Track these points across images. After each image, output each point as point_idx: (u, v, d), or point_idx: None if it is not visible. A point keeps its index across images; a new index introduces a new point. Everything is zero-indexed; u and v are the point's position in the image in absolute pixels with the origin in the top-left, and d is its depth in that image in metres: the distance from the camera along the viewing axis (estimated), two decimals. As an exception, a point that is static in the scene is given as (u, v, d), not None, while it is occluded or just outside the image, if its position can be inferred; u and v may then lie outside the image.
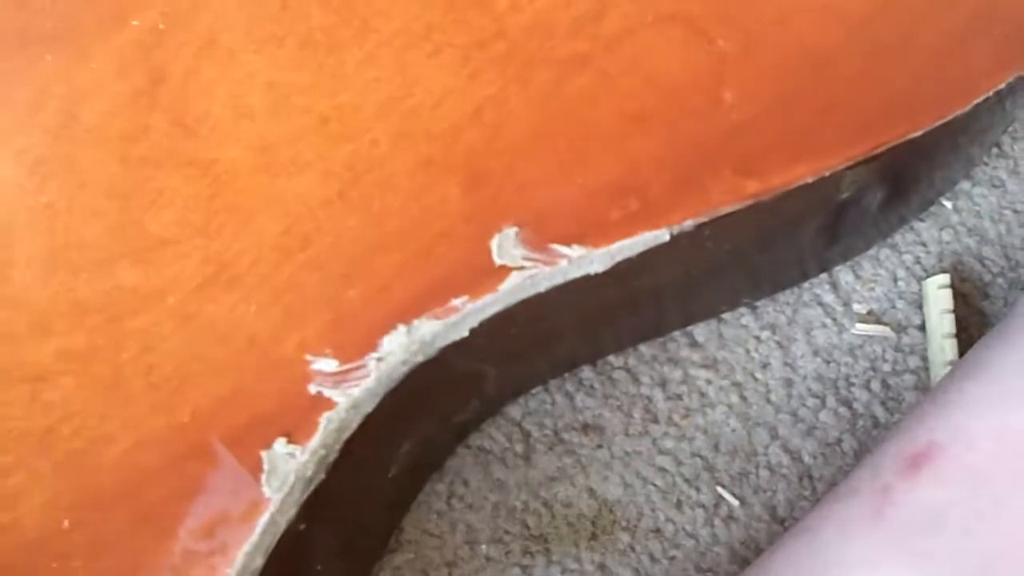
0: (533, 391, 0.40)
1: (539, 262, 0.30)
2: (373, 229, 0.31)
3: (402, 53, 0.32)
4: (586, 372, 0.41)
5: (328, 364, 0.30)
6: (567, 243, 0.30)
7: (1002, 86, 0.31)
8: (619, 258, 0.30)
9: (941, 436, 0.31)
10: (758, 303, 0.41)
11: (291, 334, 0.30)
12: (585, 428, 0.40)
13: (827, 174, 0.30)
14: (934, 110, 0.30)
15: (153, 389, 0.31)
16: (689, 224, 0.30)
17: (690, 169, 0.30)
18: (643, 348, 0.41)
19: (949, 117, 0.30)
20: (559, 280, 0.30)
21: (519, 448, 0.40)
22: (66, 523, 0.29)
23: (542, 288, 0.30)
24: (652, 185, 0.30)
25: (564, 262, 0.30)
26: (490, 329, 0.31)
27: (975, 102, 0.30)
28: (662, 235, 0.30)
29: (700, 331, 0.41)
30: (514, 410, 0.40)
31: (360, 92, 0.32)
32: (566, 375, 0.40)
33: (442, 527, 0.39)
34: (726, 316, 0.41)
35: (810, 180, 0.30)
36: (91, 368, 0.31)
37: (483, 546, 0.39)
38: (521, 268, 0.30)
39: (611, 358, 0.41)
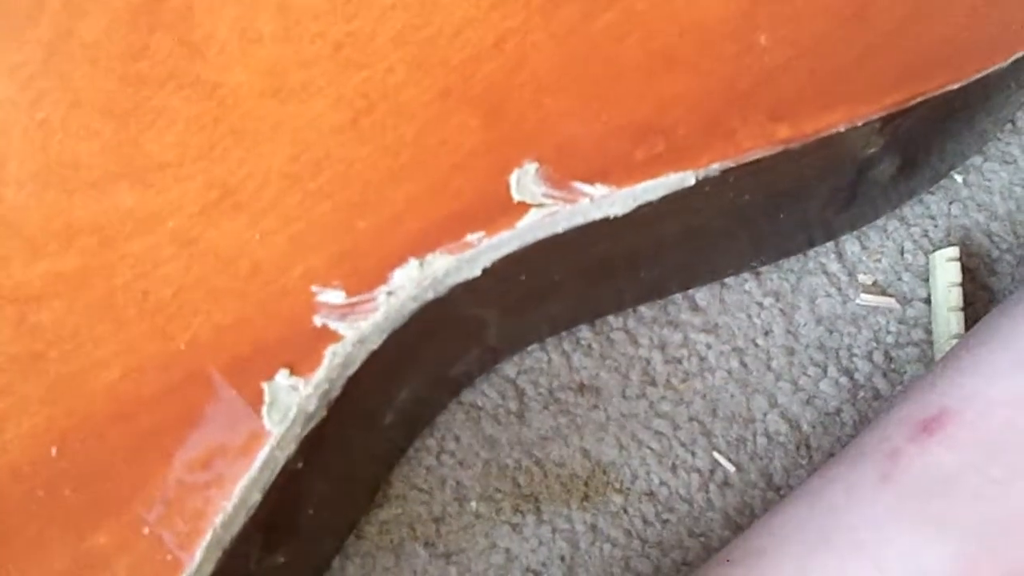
0: (529, 349, 0.39)
1: (560, 199, 0.29)
2: (387, 159, 0.30)
3: (422, -20, 0.31)
4: (584, 332, 0.39)
5: (336, 296, 0.29)
6: (590, 181, 0.29)
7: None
8: (641, 201, 0.29)
9: (954, 401, 0.31)
10: (762, 269, 0.40)
11: (297, 263, 0.29)
12: (581, 388, 0.39)
13: (859, 124, 0.29)
14: (973, 62, 0.29)
15: (148, 315, 0.29)
16: (715, 168, 0.29)
17: (720, 112, 0.29)
18: (643, 310, 0.40)
19: (989, 70, 0.29)
20: (579, 220, 0.29)
21: (513, 406, 0.39)
22: (54, 450, 0.28)
23: (560, 228, 0.29)
24: (679, 126, 0.29)
25: (585, 201, 0.29)
26: (501, 271, 0.30)
27: (1015, 56, 0.29)
28: (687, 178, 0.29)
29: (702, 295, 0.40)
30: (508, 368, 0.39)
31: (376, 19, 0.31)
32: (563, 334, 0.39)
33: (431, 482, 0.38)
34: (728, 281, 0.40)
35: (842, 129, 0.29)
36: (83, 291, 0.30)
37: (472, 503, 0.38)
38: (540, 205, 0.29)
39: (610, 319, 0.40)
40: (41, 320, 0.29)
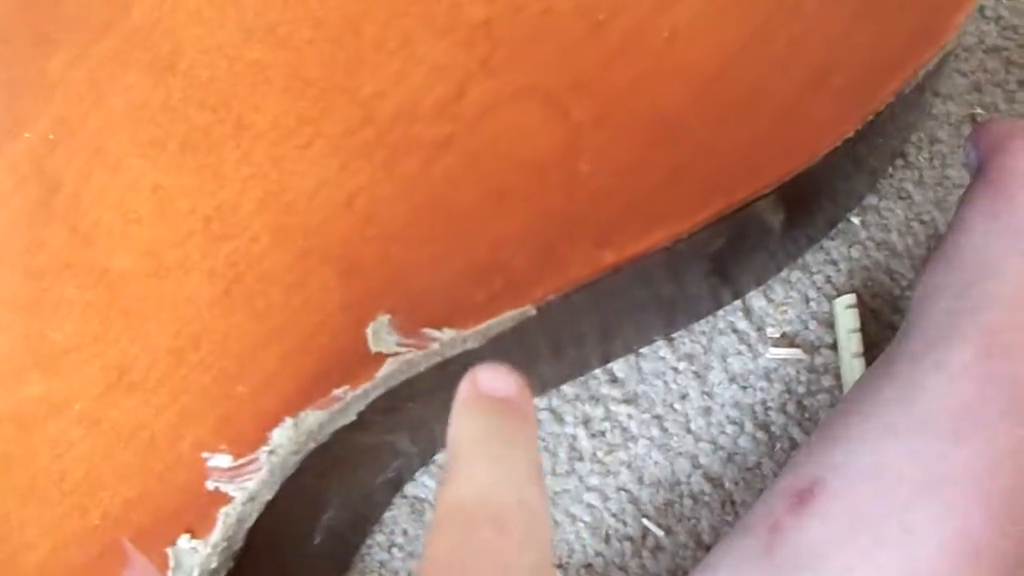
0: (464, 438, 0.41)
1: (412, 346, 0.31)
2: (257, 325, 0.32)
3: (276, 147, 0.33)
4: (514, 415, 0.42)
5: (223, 460, 0.31)
6: (437, 326, 0.31)
7: (890, 100, 0.31)
8: (492, 334, 0.31)
9: (824, 472, 0.32)
10: (674, 334, 0.42)
11: (187, 433, 0.32)
12: (516, 470, 0.41)
13: (684, 236, 0.31)
14: (780, 166, 0.31)
15: (66, 494, 0.32)
16: (552, 298, 0.31)
17: (549, 244, 0.31)
18: (566, 388, 0.42)
19: (797, 171, 0.31)
20: (436, 360, 0.31)
21: (454, 494, 0.41)
22: (-8, 633, 0.31)
23: (421, 369, 0.32)
24: (514, 263, 0.31)
25: (436, 345, 0.31)
26: (383, 407, 0.32)
27: (820, 155, 0.31)
28: (528, 310, 0.31)
29: (619, 367, 0.42)
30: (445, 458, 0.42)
31: (239, 190, 0.33)
32: (495, 419, 0.42)
33: (385, 577, 0.41)
34: (644, 350, 0.42)
35: (666, 245, 0.31)
36: (9, 478, 0.33)
37: (425, 593, 0.40)
38: (396, 354, 0.31)
39: (535, 400, 0.42)
40: (-25, 508, 0.33)
